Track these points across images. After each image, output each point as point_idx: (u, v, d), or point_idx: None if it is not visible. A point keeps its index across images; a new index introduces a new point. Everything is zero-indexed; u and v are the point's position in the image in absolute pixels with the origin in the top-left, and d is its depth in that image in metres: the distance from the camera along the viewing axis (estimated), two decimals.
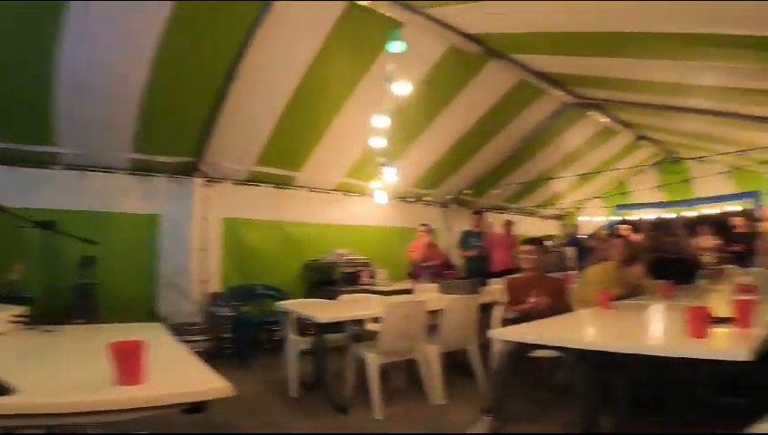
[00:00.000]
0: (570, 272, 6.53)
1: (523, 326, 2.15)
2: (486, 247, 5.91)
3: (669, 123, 5.99)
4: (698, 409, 2.31)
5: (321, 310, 3.25)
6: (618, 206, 9.27)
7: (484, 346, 3.41)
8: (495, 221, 6.93)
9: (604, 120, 6.18)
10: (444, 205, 7.34)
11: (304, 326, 3.47)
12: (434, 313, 3.33)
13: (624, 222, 8.62)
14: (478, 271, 5.58)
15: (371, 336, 3.13)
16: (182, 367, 1.45)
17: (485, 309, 4.12)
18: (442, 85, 4.60)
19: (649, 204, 8.79)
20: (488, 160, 6.49)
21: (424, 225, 5.59)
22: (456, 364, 3.54)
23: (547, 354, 2.73)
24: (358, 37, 3.80)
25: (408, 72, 3.86)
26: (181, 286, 4.53)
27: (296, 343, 3.35)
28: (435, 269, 5.40)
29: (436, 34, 3.89)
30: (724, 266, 4.99)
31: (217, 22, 3.31)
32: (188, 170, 4.60)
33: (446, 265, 6.19)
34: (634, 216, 8.94)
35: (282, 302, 3.66)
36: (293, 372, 3.32)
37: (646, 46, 3.29)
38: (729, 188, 7.87)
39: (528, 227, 8.96)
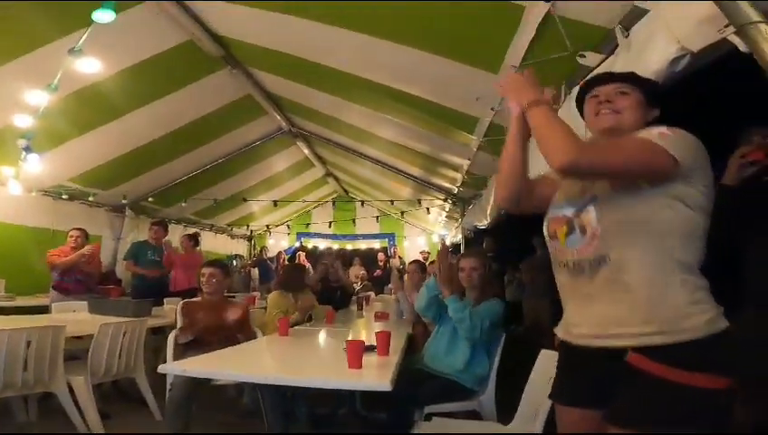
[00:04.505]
0: (254, 293, 6.71)
1: (199, 359, 1.98)
2: (166, 263, 5.27)
3: (349, 165, 7.11)
4: (358, 424, 2.72)
5: None
6: (299, 233, 10.35)
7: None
8: (180, 235, 6.38)
9: (307, 151, 6.73)
10: (117, 209, 6.18)
11: None
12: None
13: (302, 249, 9.72)
14: (153, 289, 4.90)
15: None
16: None
17: (159, 332, 3.67)
18: (161, 77, 3.94)
19: (324, 235, 10.23)
20: (185, 169, 5.92)
21: (77, 229, 4.49)
22: (122, 393, 3.18)
23: (231, 380, 2.65)
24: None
25: (120, 51, 3.23)
26: None
27: None
28: (88, 283, 4.43)
29: (178, 22, 3.32)
30: (369, 293, 6.28)
31: None
32: None
33: (106, 279, 5.20)
34: (311, 244, 10.21)
35: None
36: None
37: (354, 89, 3.74)
38: (376, 229, 10.12)
39: (217, 244, 8.74)
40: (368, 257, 9.06)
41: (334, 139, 5.80)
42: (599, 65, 1.87)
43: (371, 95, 3.81)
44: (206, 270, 3.13)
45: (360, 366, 1.75)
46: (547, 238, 1.24)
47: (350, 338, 2.12)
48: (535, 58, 2.23)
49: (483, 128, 3.33)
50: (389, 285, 8.24)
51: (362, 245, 10.20)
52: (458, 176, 5.00)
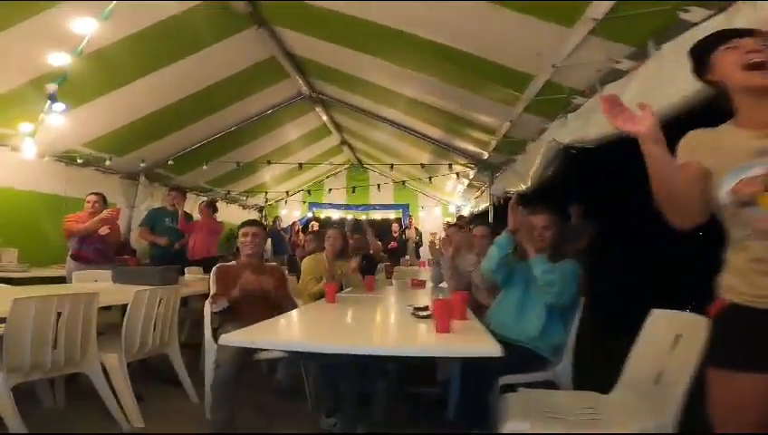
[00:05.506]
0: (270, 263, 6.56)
1: (260, 328, 1.81)
2: (184, 231, 5.05)
3: (367, 132, 6.84)
4: (398, 399, 2.60)
5: None
6: (311, 204, 10.12)
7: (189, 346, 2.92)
8: (195, 202, 6.17)
9: (325, 118, 6.49)
10: (131, 176, 5.95)
11: None
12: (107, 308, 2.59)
13: (315, 219, 9.52)
14: (171, 258, 4.69)
15: None
16: None
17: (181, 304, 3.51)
18: (185, 35, 3.66)
19: (337, 205, 10.00)
20: (201, 134, 5.66)
21: (95, 194, 4.23)
22: (152, 371, 2.94)
23: (271, 355, 2.50)
24: None
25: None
26: None
27: None
28: (107, 252, 4.19)
29: None
30: (389, 263, 6.11)
31: None
32: None
33: (121, 249, 5.01)
34: (324, 215, 10.00)
35: None
36: None
37: (386, 43, 3.50)
38: (391, 199, 9.88)
39: (230, 214, 8.53)
40: (381, 229, 8.85)
41: (354, 102, 5.54)
42: (704, 21, 1.70)
43: (403, 49, 3.54)
44: (247, 229, 2.93)
45: (449, 330, 1.58)
46: (731, 207, 1.06)
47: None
48: (624, 11, 2.01)
49: (537, 86, 3.09)
50: (406, 257, 8.12)
51: (377, 215, 10.00)
52: (491, 140, 4.76)
